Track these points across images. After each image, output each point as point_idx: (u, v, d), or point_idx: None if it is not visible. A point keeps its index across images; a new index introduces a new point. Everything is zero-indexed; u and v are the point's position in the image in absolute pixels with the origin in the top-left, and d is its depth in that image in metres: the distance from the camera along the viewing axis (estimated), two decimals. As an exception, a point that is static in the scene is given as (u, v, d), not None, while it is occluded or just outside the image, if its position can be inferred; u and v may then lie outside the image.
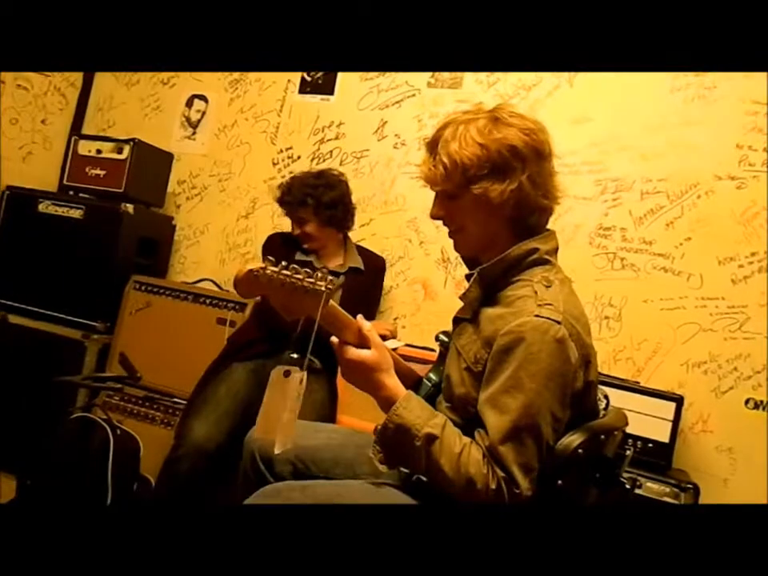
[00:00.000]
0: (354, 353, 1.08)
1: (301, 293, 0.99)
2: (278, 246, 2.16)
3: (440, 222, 1.21)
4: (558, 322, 1.03)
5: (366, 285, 2.27)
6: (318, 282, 0.99)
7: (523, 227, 1.16)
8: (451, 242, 1.22)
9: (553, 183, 1.17)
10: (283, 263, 0.99)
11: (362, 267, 2.24)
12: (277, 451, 1.10)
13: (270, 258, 0.99)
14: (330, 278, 1.00)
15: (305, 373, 1.09)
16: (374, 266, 2.33)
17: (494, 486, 0.99)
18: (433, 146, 1.16)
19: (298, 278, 0.98)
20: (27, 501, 1.88)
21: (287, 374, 1.08)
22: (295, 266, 0.99)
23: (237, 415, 1.92)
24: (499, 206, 1.11)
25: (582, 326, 1.09)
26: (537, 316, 1.03)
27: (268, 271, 0.98)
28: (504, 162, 1.10)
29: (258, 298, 2.07)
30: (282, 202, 2.19)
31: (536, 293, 1.08)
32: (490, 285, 1.16)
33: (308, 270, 0.99)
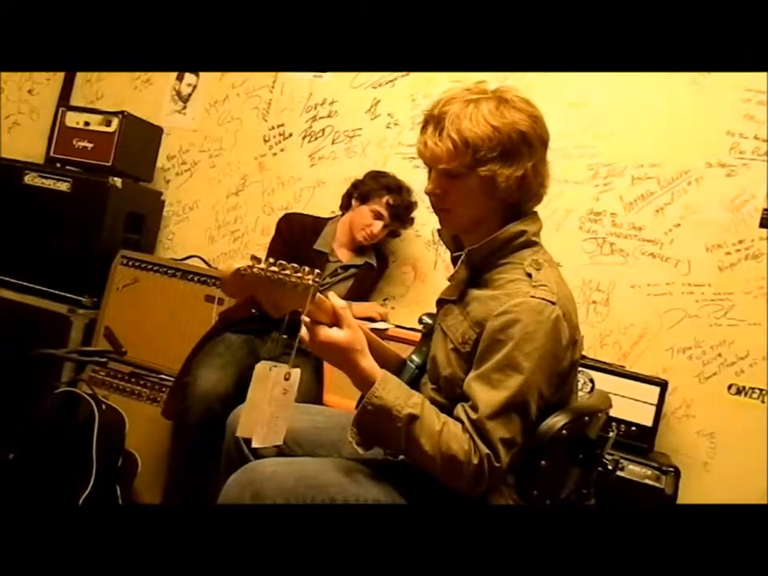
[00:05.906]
0: (325, 334, 1.05)
1: (289, 288, 1.00)
2: (299, 231, 2.18)
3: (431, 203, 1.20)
4: (553, 303, 1.05)
5: (374, 279, 2.39)
6: (306, 277, 1.00)
7: (514, 212, 1.16)
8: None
9: (548, 172, 1.18)
10: (270, 260, 0.99)
11: (375, 264, 2.29)
12: (255, 445, 1.08)
13: (255, 255, 0.99)
14: (316, 271, 1.01)
15: (298, 370, 1.09)
16: (382, 265, 2.40)
17: (475, 462, 1.00)
18: (437, 120, 1.12)
19: (286, 274, 0.99)
20: (9, 474, 1.88)
21: (287, 376, 1.08)
22: (282, 261, 0.99)
23: (238, 367, 1.92)
24: (502, 190, 1.11)
25: (572, 306, 1.11)
26: (532, 297, 1.04)
27: (255, 270, 0.97)
28: (514, 146, 1.09)
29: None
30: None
31: (529, 275, 1.09)
32: (476, 266, 1.17)
33: (294, 266, 1.00)
